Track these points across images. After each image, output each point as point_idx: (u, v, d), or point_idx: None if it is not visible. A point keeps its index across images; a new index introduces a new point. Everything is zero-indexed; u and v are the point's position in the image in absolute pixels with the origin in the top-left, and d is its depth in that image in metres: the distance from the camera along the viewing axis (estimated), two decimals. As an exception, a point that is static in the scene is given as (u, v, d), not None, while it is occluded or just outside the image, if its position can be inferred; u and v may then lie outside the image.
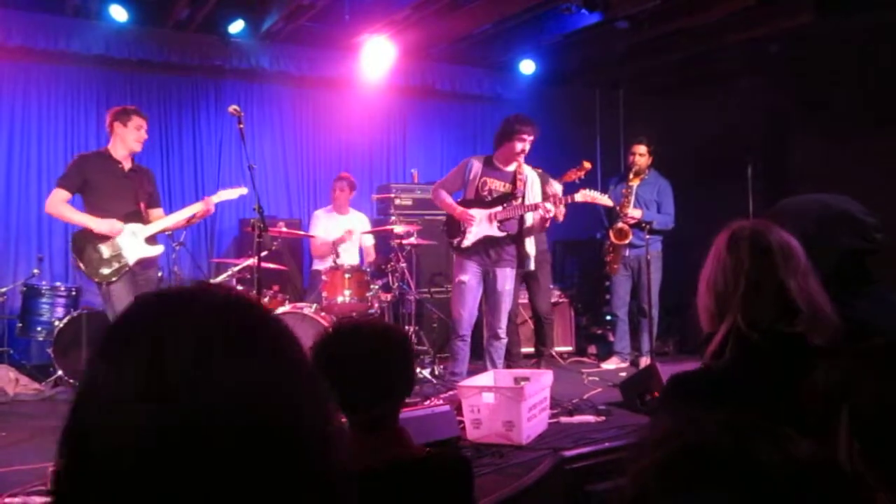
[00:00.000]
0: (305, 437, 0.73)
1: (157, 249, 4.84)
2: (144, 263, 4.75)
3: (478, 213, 5.10)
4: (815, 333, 1.59)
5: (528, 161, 6.06)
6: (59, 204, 4.62)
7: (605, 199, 5.34)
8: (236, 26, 6.84)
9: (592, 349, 7.10)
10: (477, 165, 5.20)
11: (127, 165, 4.80)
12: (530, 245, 5.29)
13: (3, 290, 6.01)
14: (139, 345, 0.70)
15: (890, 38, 6.15)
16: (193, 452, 0.65)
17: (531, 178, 5.24)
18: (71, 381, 5.50)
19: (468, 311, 5.12)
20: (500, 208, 5.12)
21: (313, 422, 0.74)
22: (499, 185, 5.18)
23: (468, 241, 5.08)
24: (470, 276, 5.08)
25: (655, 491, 0.72)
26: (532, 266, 5.43)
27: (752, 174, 6.42)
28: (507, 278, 5.19)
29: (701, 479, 0.70)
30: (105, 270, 4.57)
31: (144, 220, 4.76)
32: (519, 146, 5.06)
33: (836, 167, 6.25)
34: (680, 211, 6.43)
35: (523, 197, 5.16)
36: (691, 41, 7.21)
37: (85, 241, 4.59)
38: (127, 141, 4.75)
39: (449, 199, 5.19)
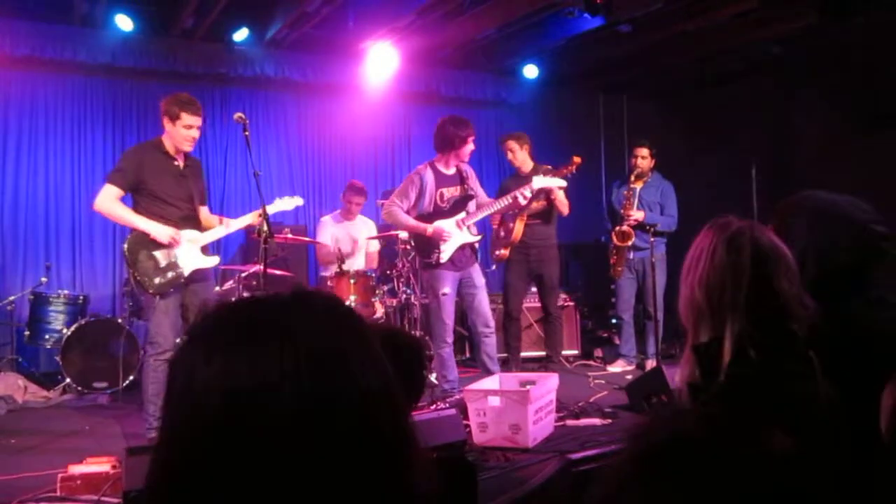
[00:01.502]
0: (403, 430, 0.80)
1: (213, 261, 4.49)
2: (198, 275, 4.37)
3: (448, 226, 5.07)
4: (803, 328, 1.60)
5: (533, 160, 6.14)
6: (111, 201, 4.22)
7: (558, 182, 5.34)
8: (241, 34, 6.88)
9: (598, 352, 7.09)
10: (430, 177, 5.12)
11: (181, 162, 4.40)
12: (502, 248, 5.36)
13: (12, 298, 6.05)
14: (274, 338, 0.75)
15: (891, 39, 6.15)
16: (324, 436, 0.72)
17: (469, 170, 5.30)
18: (79, 388, 5.53)
19: (451, 319, 5.16)
20: (463, 214, 5.13)
21: (404, 415, 0.81)
22: (452, 191, 5.18)
23: (445, 256, 5.05)
24: (450, 287, 5.09)
25: (633, 482, 0.72)
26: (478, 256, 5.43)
27: (756, 175, 6.42)
28: (478, 274, 5.23)
29: (677, 471, 0.71)
30: (159, 280, 4.20)
31: (200, 226, 4.44)
32: (469, 149, 5.13)
33: (839, 168, 6.25)
34: (683, 213, 6.42)
35: (475, 194, 5.22)
36: (694, 44, 7.22)
37: (139, 245, 4.21)
38: (175, 140, 4.31)
39: (412, 221, 5.08)
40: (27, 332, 5.81)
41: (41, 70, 6.73)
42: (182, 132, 4.27)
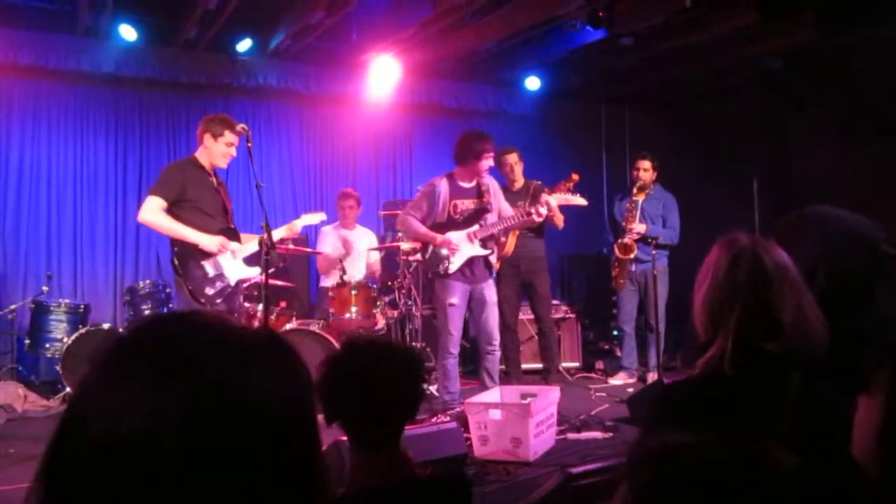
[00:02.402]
0: (311, 459, 0.74)
1: (254, 271, 4.51)
2: (241, 285, 4.46)
3: (458, 237, 5.08)
4: (801, 349, 1.62)
5: (530, 175, 6.15)
6: (156, 213, 4.26)
7: (578, 200, 5.36)
8: (244, 45, 6.91)
9: (600, 364, 7.08)
10: (444, 188, 5.16)
11: (214, 178, 4.51)
12: (493, 256, 5.32)
13: (13, 307, 6.06)
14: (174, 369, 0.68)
15: (890, 52, 6.17)
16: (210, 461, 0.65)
17: (494, 187, 5.30)
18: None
19: (458, 331, 5.15)
20: (476, 227, 5.13)
21: (316, 446, 0.76)
22: (468, 204, 5.18)
23: (454, 267, 5.06)
24: (458, 298, 5.09)
25: None
26: (493, 273, 5.43)
27: (757, 188, 6.43)
28: (491, 290, 5.23)
29: (692, 500, 0.71)
30: (210, 290, 4.25)
31: (238, 238, 4.50)
32: (486, 164, 5.11)
33: (839, 181, 6.26)
34: (685, 225, 6.43)
35: (492, 208, 5.19)
36: (695, 57, 7.25)
37: (189, 256, 4.25)
38: (214, 156, 4.41)
39: (423, 229, 5.12)
40: (28, 341, 5.81)
41: (44, 79, 6.76)
42: (222, 149, 4.40)
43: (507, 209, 5.29)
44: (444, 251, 5.06)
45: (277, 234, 4.53)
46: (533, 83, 8.18)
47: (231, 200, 4.62)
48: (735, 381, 1.61)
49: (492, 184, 5.30)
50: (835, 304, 1.74)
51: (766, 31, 6.45)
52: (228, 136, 4.38)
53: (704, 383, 1.67)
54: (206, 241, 4.25)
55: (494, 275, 5.37)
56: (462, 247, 5.07)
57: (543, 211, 5.11)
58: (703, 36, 6.57)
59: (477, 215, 5.17)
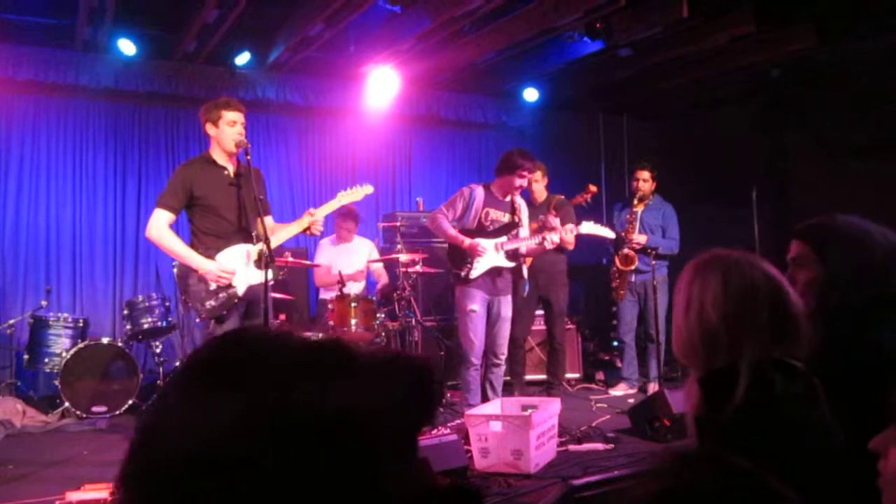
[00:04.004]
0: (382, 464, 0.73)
1: (268, 273, 4.09)
2: (255, 294, 4.16)
3: (485, 244, 5.10)
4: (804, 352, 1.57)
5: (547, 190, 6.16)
6: (162, 230, 4.10)
7: (606, 232, 5.40)
8: (243, 58, 6.93)
9: (600, 375, 7.06)
10: (480, 195, 5.20)
11: (232, 170, 4.26)
12: (525, 271, 5.33)
13: (11, 321, 6.04)
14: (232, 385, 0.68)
15: (888, 63, 6.19)
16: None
17: (524, 207, 5.34)
18: (78, 412, 5.49)
19: (479, 340, 5.12)
20: (504, 238, 5.14)
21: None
22: (500, 216, 5.21)
23: (476, 272, 5.07)
24: (479, 305, 5.08)
25: None
26: (526, 291, 5.44)
27: (756, 198, 6.43)
28: (508, 305, 5.24)
29: None
30: (211, 303, 4.04)
31: (253, 238, 4.20)
32: (518, 181, 5.13)
33: (838, 191, 6.26)
34: (685, 235, 6.43)
35: (522, 225, 5.23)
36: (693, 67, 7.27)
37: (188, 268, 4.08)
38: (224, 142, 4.20)
39: (452, 231, 5.13)
40: (26, 356, 5.78)
41: (44, 94, 6.77)
42: (227, 130, 4.19)
43: (525, 232, 5.31)
44: (469, 255, 5.07)
45: (297, 227, 4.34)
46: (531, 94, 8.20)
47: (263, 185, 4.30)
48: (775, 399, 1.51)
49: (523, 204, 5.34)
50: (857, 315, 1.72)
51: (763, 40, 6.46)
52: (227, 115, 4.20)
53: (748, 417, 1.50)
54: (203, 266, 4.04)
55: (527, 288, 5.37)
56: (488, 253, 5.07)
57: (556, 239, 5.14)
58: (701, 46, 6.59)
59: (507, 228, 5.20)
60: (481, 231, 5.16)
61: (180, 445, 0.65)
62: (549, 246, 5.17)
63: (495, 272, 5.13)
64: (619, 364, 6.91)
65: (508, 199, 5.24)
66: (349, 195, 4.61)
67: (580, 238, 5.46)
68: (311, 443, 0.65)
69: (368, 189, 4.67)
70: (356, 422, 0.69)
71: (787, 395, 1.51)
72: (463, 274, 5.09)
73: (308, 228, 4.34)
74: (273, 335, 0.74)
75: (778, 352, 1.55)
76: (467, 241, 5.06)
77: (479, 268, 5.07)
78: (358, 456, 0.68)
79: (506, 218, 5.21)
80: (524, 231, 5.25)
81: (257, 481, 0.63)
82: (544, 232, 5.17)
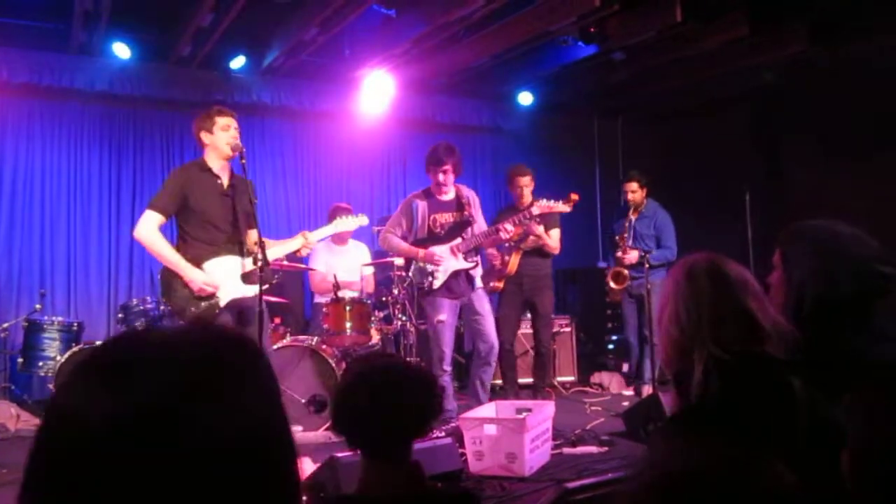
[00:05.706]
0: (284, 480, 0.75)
1: (252, 289, 4.05)
2: (239, 306, 4.14)
3: (440, 250, 5.05)
4: (779, 348, 1.62)
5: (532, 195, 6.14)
6: (151, 231, 4.05)
7: (561, 206, 5.31)
8: (238, 62, 6.94)
9: (596, 378, 7.07)
10: (422, 203, 5.14)
11: (226, 180, 4.22)
12: (478, 269, 5.27)
13: (6, 325, 6.02)
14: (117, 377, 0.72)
15: (881, 65, 6.22)
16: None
17: (474, 199, 5.26)
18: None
19: (449, 347, 5.12)
20: (458, 240, 5.11)
21: (290, 468, 0.77)
22: (447, 217, 5.16)
23: (439, 282, 5.04)
24: (447, 314, 5.06)
25: None
26: (479, 285, 5.37)
27: (749, 201, 6.46)
28: (482, 300, 5.18)
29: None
30: (193, 310, 4.04)
31: (244, 250, 4.18)
32: (440, 176, 5.06)
33: (831, 194, 6.29)
34: (679, 239, 6.46)
35: (474, 220, 5.16)
36: (687, 71, 7.30)
37: (172, 273, 4.06)
38: (220, 148, 4.17)
39: (405, 245, 5.10)
40: (21, 360, 5.77)
41: (38, 97, 6.77)
42: (222, 135, 4.18)
43: (483, 225, 5.25)
44: (429, 266, 5.04)
45: (290, 248, 4.36)
46: (526, 98, 8.22)
47: (253, 198, 4.21)
48: (738, 393, 1.59)
49: (472, 196, 5.28)
50: (825, 321, 1.75)
51: (757, 44, 6.50)
52: (220, 121, 4.19)
53: (705, 406, 1.63)
54: (191, 276, 4.01)
55: (479, 285, 5.31)
56: (446, 260, 5.06)
57: (510, 228, 5.05)
58: (695, 50, 6.63)
59: (459, 228, 5.15)
60: (433, 238, 5.11)
61: (60, 433, 0.70)
62: (503, 235, 5.06)
63: (453, 275, 5.10)
64: (624, 368, 6.99)
65: (451, 197, 5.18)
66: (344, 223, 4.70)
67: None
68: (171, 447, 0.68)
69: (364, 220, 4.79)
70: (224, 424, 0.71)
71: (750, 385, 1.60)
72: (426, 286, 5.04)
73: (299, 250, 4.38)
74: (165, 339, 0.76)
75: (739, 345, 1.63)
76: (421, 252, 5.03)
77: (440, 276, 5.04)
78: (223, 456, 0.70)
79: (454, 218, 5.16)
80: (477, 228, 5.16)
81: (120, 483, 0.67)
82: (499, 224, 5.10)
